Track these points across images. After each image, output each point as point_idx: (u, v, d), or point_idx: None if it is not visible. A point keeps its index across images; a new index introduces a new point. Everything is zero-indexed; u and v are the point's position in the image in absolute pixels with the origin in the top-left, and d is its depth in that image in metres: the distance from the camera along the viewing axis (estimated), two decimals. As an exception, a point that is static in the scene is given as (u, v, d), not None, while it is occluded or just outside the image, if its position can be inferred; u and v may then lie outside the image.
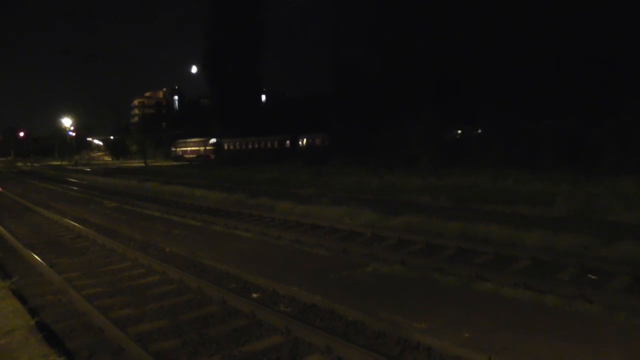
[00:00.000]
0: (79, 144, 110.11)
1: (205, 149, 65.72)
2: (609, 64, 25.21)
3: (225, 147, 60.40)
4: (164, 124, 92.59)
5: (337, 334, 5.26)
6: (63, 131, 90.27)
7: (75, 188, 28.45)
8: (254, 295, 6.97)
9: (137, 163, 71.26)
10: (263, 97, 77.70)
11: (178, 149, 73.17)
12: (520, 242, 9.32)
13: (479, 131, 30.60)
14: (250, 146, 56.85)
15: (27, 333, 5.33)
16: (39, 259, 9.23)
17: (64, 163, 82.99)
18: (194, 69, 48.76)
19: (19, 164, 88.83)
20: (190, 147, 69.56)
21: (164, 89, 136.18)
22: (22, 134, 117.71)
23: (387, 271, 7.57)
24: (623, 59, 24.87)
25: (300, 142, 49.25)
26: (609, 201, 12.63)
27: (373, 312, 5.72)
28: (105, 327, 5.79)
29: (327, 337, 5.10)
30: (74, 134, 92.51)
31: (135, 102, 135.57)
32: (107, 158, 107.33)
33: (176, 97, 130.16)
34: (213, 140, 65.12)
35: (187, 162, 63.15)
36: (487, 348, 4.59)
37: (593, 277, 7.25)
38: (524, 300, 6.04)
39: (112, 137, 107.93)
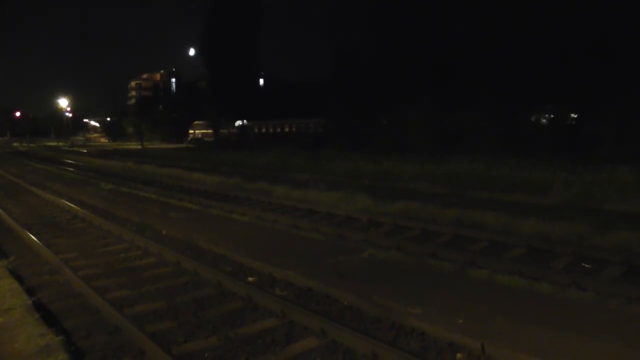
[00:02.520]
0: (76, 125, 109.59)
1: (229, 131, 61.54)
2: (607, 53, 25.15)
3: (256, 130, 57.57)
4: (160, 106, 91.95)
5: (332, 318, 5.31)
6: (60, 112, 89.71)
7: (71, 169, 28.38)
8: (250, 279, 7.00)
9: (133, 145, 70.96)
10: (261, 81, 77.30)
11: (197, 131, 68.11)
12: (516, 229, 9.35)
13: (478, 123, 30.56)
14: (287, 129, 53.55)
15: (24, 312, 5.36)
16: (35, 239, 9.23)
17: (60, 144, 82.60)
18: (192, 52, 48.43)
19: (15, 144, 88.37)
20: (211, 130, 64.67)
21: (162, 71, 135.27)
22: (18, 114, 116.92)
23: (383, 257, 7.61)
24: (621, 48, 24.80)
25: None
26: (604, 190, 12.66)
27: (368, 297, 5.76)
28: (102, 307, 5.82)
29: (322, 320, 5.15)
30: (70, 115, 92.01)
31: (132, 83, 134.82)
32: (104, 140, 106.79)
33: (173, 80, 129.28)
34: (239, 122, 62.33)
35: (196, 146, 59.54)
36: (481, 334, 4.64)
37: (587, 265, 7.31)
38: (518, 288, 6.09)
39: (108, 119, 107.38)
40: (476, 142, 26.64)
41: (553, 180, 14.17)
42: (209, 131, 65.26)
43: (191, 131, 71.73)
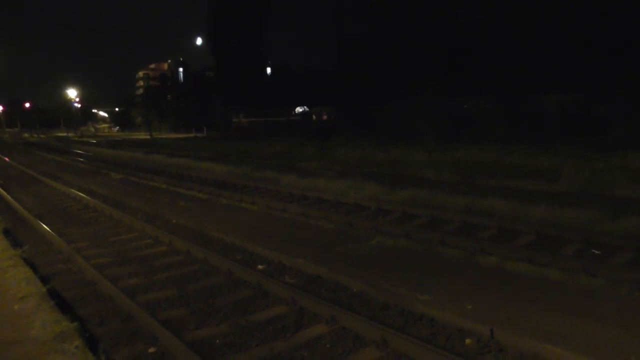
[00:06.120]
0: (85, 115, 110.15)
1: (288, 119, 55.39)
2: (615, 37, 24.79)
3: (325, 117, 53.35)
4: (168, 96, 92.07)
5: (341, 305, 5.35)
6: (69, 102, 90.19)
7: (81, 159, 28.58)
8: (260, 267, 7.06)
9: (142, 135, 71.22)
10: (268, 70, 76.92)
11: (243, 120, 61.87)
12: (525, 216, 9.32)
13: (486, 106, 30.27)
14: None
15: (39, 300, 5.45)
16: (48, 229, 9.36)
17: (69, 134, 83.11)
18: (199, 41, 48.29)
19: (25, 135, 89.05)
20: (253, 118, 58.06)
21: (169, 61, 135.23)
22: (27, 105, 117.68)
23: (392, 244, 7.64)
24: (630, 31, 24.42)
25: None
26: (614, 176, 12.57)
27: (377, 284, 5.80)
28: (115, 295, 5.90)
29: (331, 307, 5.19)
30: (79, 106, 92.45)
31: (140, 74, 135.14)
32: (114, 130, 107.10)
33: (181, 69, 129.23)
34: (299, 109, 59.76)
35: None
36: (490, 320, 4.67)
37: (597, 252, 7.29)
38: (527, 274, 6.09)
39: (117, 109, 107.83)
40: (485, 129, 26.49)
41: (563, 167, 14.09)
42: (253, 119, 61.31)
43: (235, 119, 69.11)
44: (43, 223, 9.91)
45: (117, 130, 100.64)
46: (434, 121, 28.91)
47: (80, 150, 39.11)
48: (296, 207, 11.21)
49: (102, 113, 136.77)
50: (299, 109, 58.70)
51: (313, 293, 5.79)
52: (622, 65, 23.53)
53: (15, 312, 5.15)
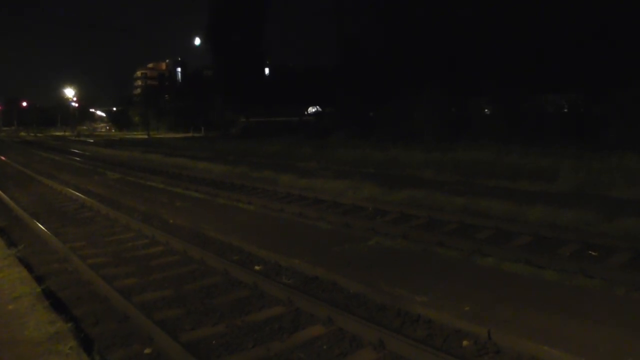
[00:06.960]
0: (82, 114, 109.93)
1: (300, 119, 53.81)
2: (615, 37, 24.81)
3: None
4: (166, 95, 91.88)
5: (338, 306, 5.32)
6: (66, 101, 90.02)
7: (78, 159, 28.52)
8: (257, 267, 7.02)
9: (140, 135, 71.07)
10: (267, 70, 76.86)
11: (251, 119, 59.83)
12: (523, 217, 9.32)
13: (486, 111, 30.26)
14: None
15: (34, 300, 5.41)
16: (43, 228, 9.30)
17: (66, 134, 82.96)
18: (197, 41, 48.21)
19: (22, 133, 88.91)
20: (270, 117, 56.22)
21: (167, 60, 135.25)
22: (24, 103, 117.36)
23: (389, 245, 7.61)
24: (628, 32, 24.44)
25: None
26: (612, 177, 12.59)
27: (374, 285, 5.77)
28: (110, 295, 5.86)
29: (328, 308, 5.16)
30: (76, 105, 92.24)
31: (138, 73, 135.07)
32: (113, 130, 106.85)
33: (179, 69, 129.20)
34: (312, 109, 57.08)
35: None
36: (487, 321, 4.64)
37: (594, 253, 7.28)
38: (524, 275, 6.07)
39: (114, 109, 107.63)
40: (484, 129, 26.51)
41: (560, 168, 14.10)
42: (262, 119, 60.33)
43: (243, 119, 68.60)
44: (39, 222, 9.85)
45: (115, 130, 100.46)
46: (434, 121, 28.92)
47: (77, 149, 39.03)
48: (293, 208, 11.18)
49: (99, 112, 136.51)
50: (311, 109, 58.02)
51: (310, 294, 5.76)
52: (621, 66, 23.53)
53: (9, 312, 5.11)
